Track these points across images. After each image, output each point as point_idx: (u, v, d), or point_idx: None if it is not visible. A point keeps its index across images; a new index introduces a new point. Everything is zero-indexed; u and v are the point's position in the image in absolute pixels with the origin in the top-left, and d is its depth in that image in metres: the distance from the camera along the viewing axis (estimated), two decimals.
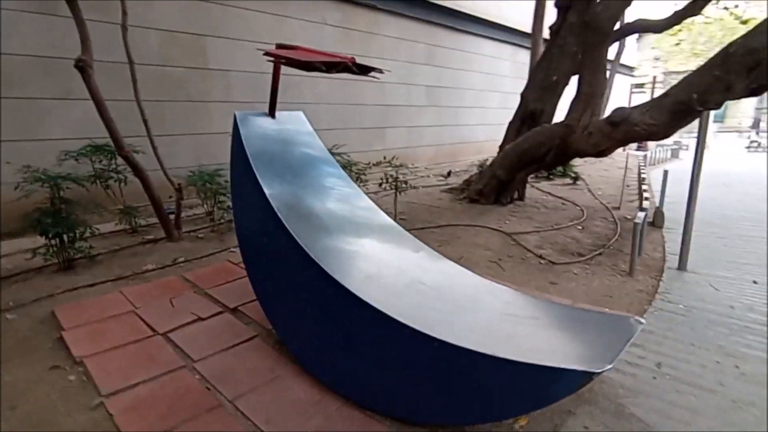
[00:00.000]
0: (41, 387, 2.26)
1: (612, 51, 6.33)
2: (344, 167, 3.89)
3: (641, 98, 20.12)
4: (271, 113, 3.05)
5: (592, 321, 2.14)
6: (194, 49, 5.75)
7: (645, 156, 12.52)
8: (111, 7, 4.57)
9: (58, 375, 2.36)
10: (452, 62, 10.23)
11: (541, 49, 7.44)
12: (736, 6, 10.24)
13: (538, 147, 5.65)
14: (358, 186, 3.26)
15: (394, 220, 3.15)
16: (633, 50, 19.71)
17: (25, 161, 3.77)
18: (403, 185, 5.36)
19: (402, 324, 1.87)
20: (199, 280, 3.52)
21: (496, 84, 11.84)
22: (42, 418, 2.04)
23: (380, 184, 5.43)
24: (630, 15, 8.07)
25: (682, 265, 4.11)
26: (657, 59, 25.80)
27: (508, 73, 12.07)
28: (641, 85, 22.30)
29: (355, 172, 5.01)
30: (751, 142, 18.17)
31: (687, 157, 13.95)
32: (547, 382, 1.69)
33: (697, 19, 5.97)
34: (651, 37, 21.28)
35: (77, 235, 3.70)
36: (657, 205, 5.70)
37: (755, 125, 20.63)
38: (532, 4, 8.24)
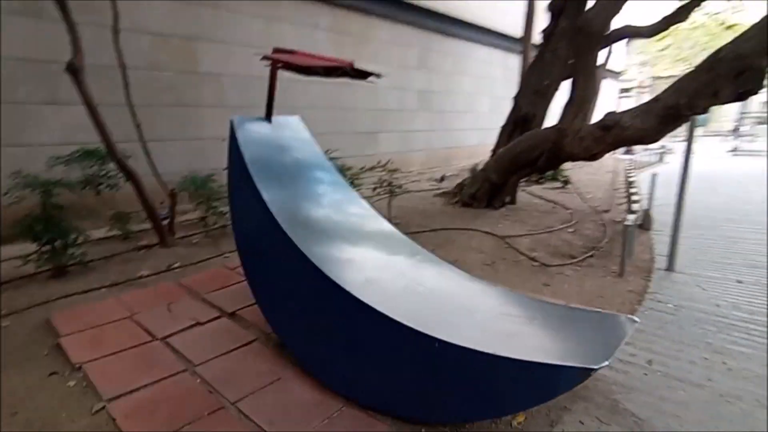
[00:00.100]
0: (41, 393, 2.26)
1: (601, 56, 6.44)
2: (338, 172, 3.92)
3: (628, 103, 20.47)
4: (268, 118, 3.08)
5: (588, 320, 2.20)
6: (185, 53, 5.75)
7: (632, 160, 12.71)
8: (98, 9, 4.56)
9: (57, 381, 2.36)
10: (444, 67, 10.33)
11: (532, 53, 7.55)
12: (718, 13, 10.50)
13: (531, 151, 5.74)
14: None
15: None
16: (620, 55, 20.01)
17: (13, 167, 3.74)
18: (398, 189, 5.41)
19: (403, 325, 1.91)
20: (195, 286, 3.53)
21: (488, 88, 11.97)
22: (44, 423, 2.05)
23: (374, 189, 5.47)
24: (617, 21, 8.22)
25: (670, 266, 4.20)
26: (644, 64, 26.24)
27: (499, 77, 12.21)
28: (628, 90, 22.66)
29: (349, 176, 5.05)
30: (736, 149, 18.51)
31: (673, 161, 14.19)
32: (546, 379, 1.74)
33: (683, 24, 6.11)
34: (637, 42, 21.66)
35: (70, 241, 3.69)
36: (645, 207, 5.81)
37: (736, 130, 21.03)
38: (523, 9, 8.37)
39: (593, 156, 5.22)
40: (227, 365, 2.52)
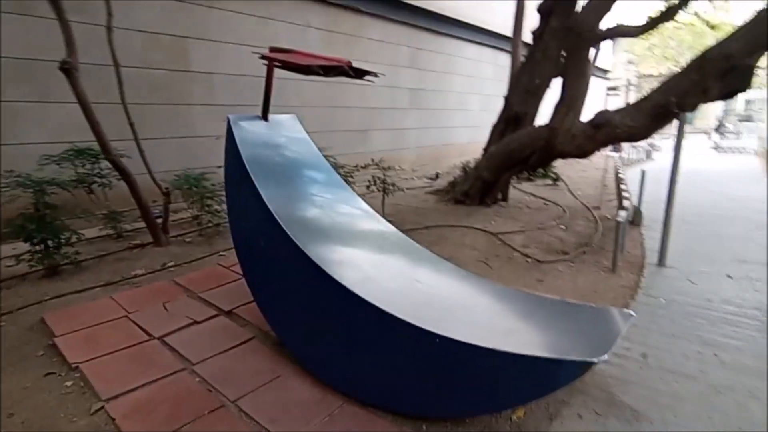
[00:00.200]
0: (38, 394, 2.24)
1: (589, 54, 6.51)
2: (335, 170, 3.92)
3: (615, 101, 20.69)
4: (264, 116, 3.07)
5: (584, 314, 2.24)
6: (177, 52, 5.71)
7: (620, 157, 12.86)
8: (89, 7, 4.51)
9: (53, 381, 2.34)
10: (435, 65, 10.35)
11: (521, 52, 7.60)
12: (704, 12, 10.65)
13: (523, 149, 5.79)
14: None
15: None
16: (608, 54, 20.23)
17: (5, 166, 3.69)
18: (391, 187, 5.42)
19: (404, 321, 1.92)
20: (191, 284, 3.51)
21: (478, 87, 12.02)
22: (42, 424, 2.03)
23: (368, 187, 5.48)
24: (606, 20, 8.30)
25: (661, 261, 4.27)
26: (630, 62, 26.53)
27: (489, 76, 12.27)
28: (615, 88, 22.89)
29: (342, 174, 5.04)
30: (718, 147, 18.81)
31: (660, 158, 14.39)
32: (547, 373, 1.77)
33: (668, 24, 6.20)
34: (624, 41, 21.91)
35: (63, 240, 3.65)
36: (635, 204, 5.89)
37: (719, 128, 21.39)
38: (513, 9, 8.41)
39: (584, 153, 5.29)
40: (226, 364, 2.52)
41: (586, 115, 5.72)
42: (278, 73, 2.85)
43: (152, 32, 5.42)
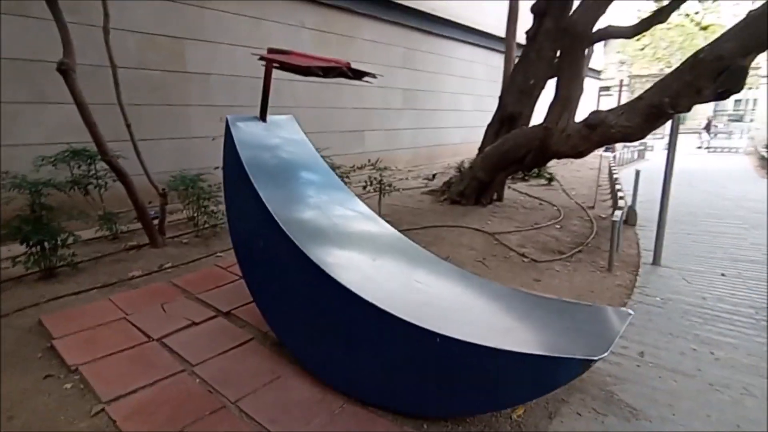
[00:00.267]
0: (37, 396, 2.22)
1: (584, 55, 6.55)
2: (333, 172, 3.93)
3: (608, 101, 20.80)
4: (263, 117, 3.07)
5: (583, 314, 2.25)
6: (172, 52, 5.69)
7: (614, 157, 12.94)
8: (85, 8, 4.48)
9: (53, 384, 2.33)
10: (428, 66, 10.39)
11: (515, 52, 7.65)
12: (697, 13, 10.75)
13: (518, 149, 5.82)
14: None
15: None
16: (600, 54, 20.36)
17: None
18: (388, 188, 5.43)
19: (405, 321, 1.93)
20: (188, 286, 3.50)
21: (471, 87, 12.07)
22: (42, 426, 2.02)
23: (364, 187, 5.49)
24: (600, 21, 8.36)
25: (656, 261, 4.31)
26: (622, 63, 26.72)
27: (482, 76, 12.32)
28: (607, 88, 23.04)
29: (339, 175, 5.04)
30: (702, 146, 19.02)
31: (653, 158, 14.51)
32: (548, 371, 1.78)
33: (660, 24, 6.26)
34: (615, 42, 22.05)
35: (59, 242, 3.63)
36: (629, 203, 5.94)
37: (707, 127, 21.63)
38: (506, 9, 8.45)
39: (579, 154, 5.33)
40: (225, 365, 2.52)
41: (580, 115, 5.77)
42: (273, 74, 2.85)
43: (148, 33, 5.40)
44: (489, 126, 7.05)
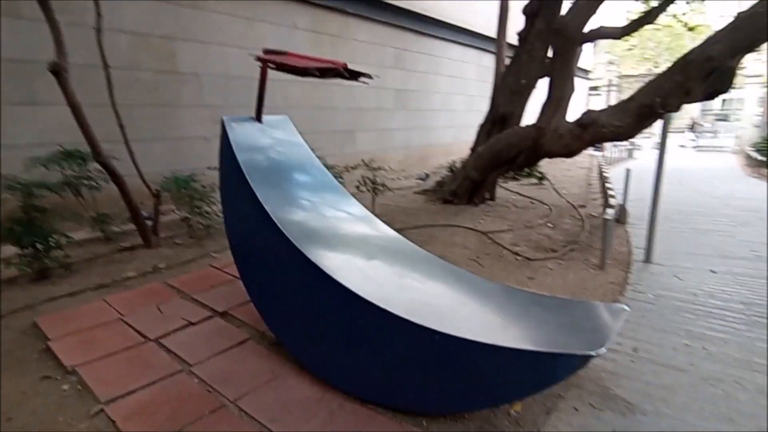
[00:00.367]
0: (35, 398, 2.21)
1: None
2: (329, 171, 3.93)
3: (597, 101, 21.02)
4: (258, 118, 3.07)
5: (579, 310, 2.29)
6: (164, 53, 5.64)
7: (603, 156, 13.09)
8: (76, 8, 4.44)
9: (50, 385, 2.31)
10: (420, 66, 10.40)
11: (506, 53, 7.70)
12: (684, 14, 10.89)
13: (511, 148, 5.87)
14: None
15: None
16: (589, 54, 20.54)
17: None
18: (381, 187, 5.45)
19: (403, 319, 1.95)
20: (184, 286, 3.49)
21: (462, 87, 12.11)
22: (41, 428, 2.01)
23: (358, 187, 5.50)
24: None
25: (647, 258, 4.37)
26: (611, 63, 27.00)
27: (473, 76, 12.36)
28: (596, 88, 23.29)
29: (333, 175, 5.05)
30: (695, 146, 19.29)
31: (641, 157, 14.69)
32: (546, 367, 1.81)
33: (648, 25, 6.35)
34: (604, 42, 22.27)
35: (52, 243, 3.59)
36: (620, 202, 6.02)
37: (693, 127, 21.96)
38: (496, 10, 8.51)
39: (571, 153, 5.39)
40: (223, 364, 2.52)
41: (570, 114, 5.83)
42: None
43: (139, 33, 5.36)
44: (481, 126, 7.10)
